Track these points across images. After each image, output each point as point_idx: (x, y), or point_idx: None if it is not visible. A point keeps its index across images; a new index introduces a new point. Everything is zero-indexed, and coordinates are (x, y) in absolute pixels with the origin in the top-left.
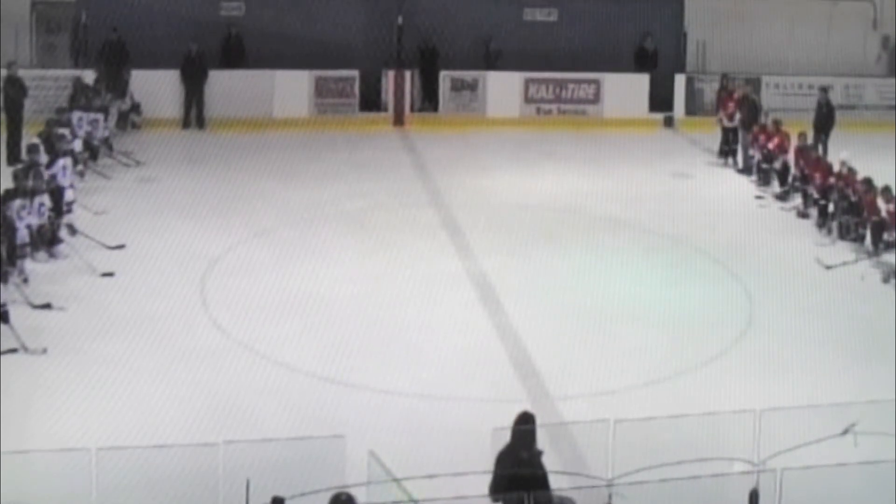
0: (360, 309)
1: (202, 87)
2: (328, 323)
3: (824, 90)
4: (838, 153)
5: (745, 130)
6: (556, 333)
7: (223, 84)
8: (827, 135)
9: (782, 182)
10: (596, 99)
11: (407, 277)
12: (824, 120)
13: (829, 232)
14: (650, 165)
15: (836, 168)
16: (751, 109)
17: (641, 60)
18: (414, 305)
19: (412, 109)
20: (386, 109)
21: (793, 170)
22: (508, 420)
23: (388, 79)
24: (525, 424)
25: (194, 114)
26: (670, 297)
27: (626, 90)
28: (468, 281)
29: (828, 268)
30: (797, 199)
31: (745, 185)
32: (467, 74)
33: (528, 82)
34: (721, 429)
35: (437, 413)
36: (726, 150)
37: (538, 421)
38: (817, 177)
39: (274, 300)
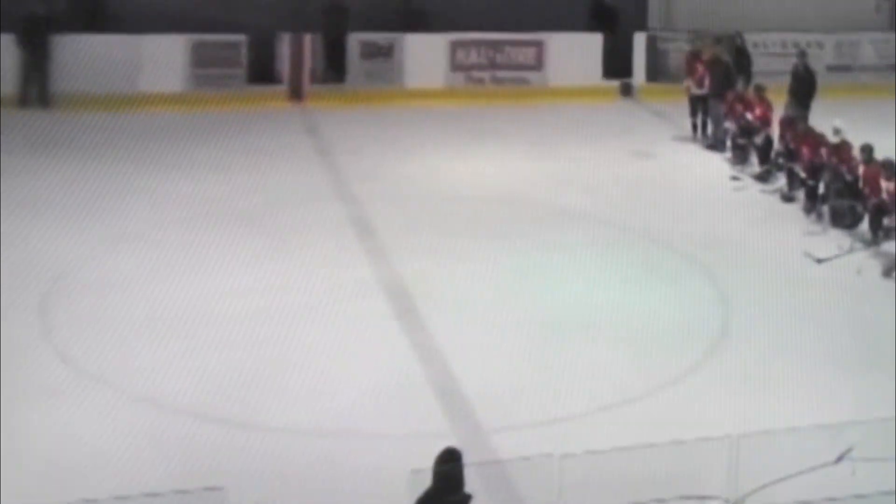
0: (251, 329)
1: (46, 57)
2: (211, 348)
3: (802, 54)
4: (829, 125)
5: (716, 99)
6: (491, 352)
7: (75, 52)
8: (807, 106)
9: (763, 160)
10: (538, 64)
11: (309, 289)
12: (803, 89)
13: (820, 218)
14: (605, 144)
15: (829, 141)
16: (724, 74)
17: (597, 17)
18: (317, 323)
19: (314, 81)
20: (281, 81)
21: (776, 144)
22: (430, 458)
23: (284, 44)
24: (450, 463)
25: (36, 90)
26: (631, 302)
27: (576, 53)
28: (383, 291)
29: (818, 261)
30: (781, 180)
31: (718, 165)
32: (381, 37)
33: (455, 46)
34: (692, 459)
35: (343, 454)
36: (696, 124)
37: (467, 458)
38: (805, 152)
39: (141, 322)
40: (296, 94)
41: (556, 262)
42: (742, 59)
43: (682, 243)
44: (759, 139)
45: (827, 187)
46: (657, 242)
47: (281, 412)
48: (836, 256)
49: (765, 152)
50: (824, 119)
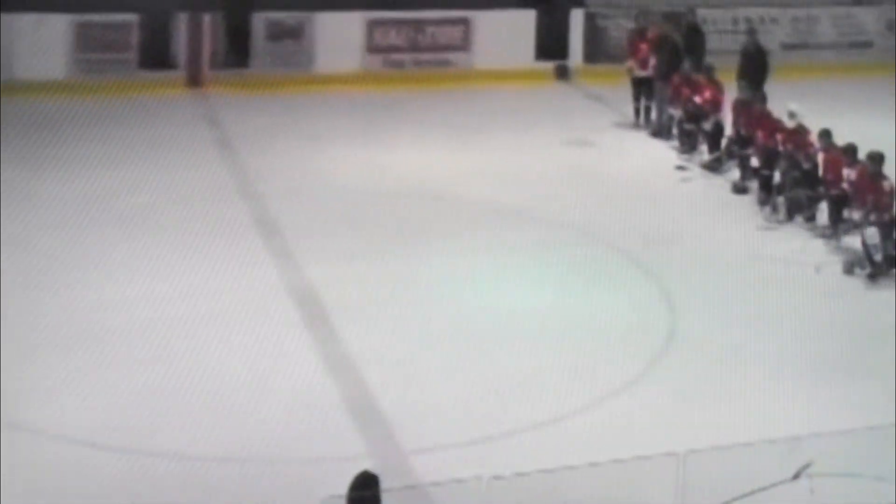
0: (144, 344)
1: None
2: (98, 366)
3: (751, 31)
4: (784, 108)
5: (662, 82)
6: (411, 364)
7: None
8: (759, 88)
9: (712, 147)
10: (465, 45)
11: (209, 297)
12: (753, 70)
13: (775, 210)
14: (539, 132)
15: (784, 126)
16: (671, 54)
17: None
18: (219, 335)
19: (214, 66)
20: (177, 67)
21: (727, 131)
22: (344, 484)
23: (180, 24)
24: (366, 489)
25: None
26: (568, 307)
27: (506, 32)
28: (291, 298)
29: (773, 259)
30: (732, 170)
31: (664, 153)
32: (289, 17)
33: (371, 25)
34: (635, 479)
35: (248, 480)
36: (639, 109)
37: (384, 483)
38: (759, 138)
39: (15, 338)
40: (194, 80)
41: (484, 264)
42: (695, 38)
43: (623, 241)
44: (708, 125)
45: (783, 176)
46: (596, 240)
47: (179, 434)
48: (793, 253)
49: (715, 139)
50: (779, 102)
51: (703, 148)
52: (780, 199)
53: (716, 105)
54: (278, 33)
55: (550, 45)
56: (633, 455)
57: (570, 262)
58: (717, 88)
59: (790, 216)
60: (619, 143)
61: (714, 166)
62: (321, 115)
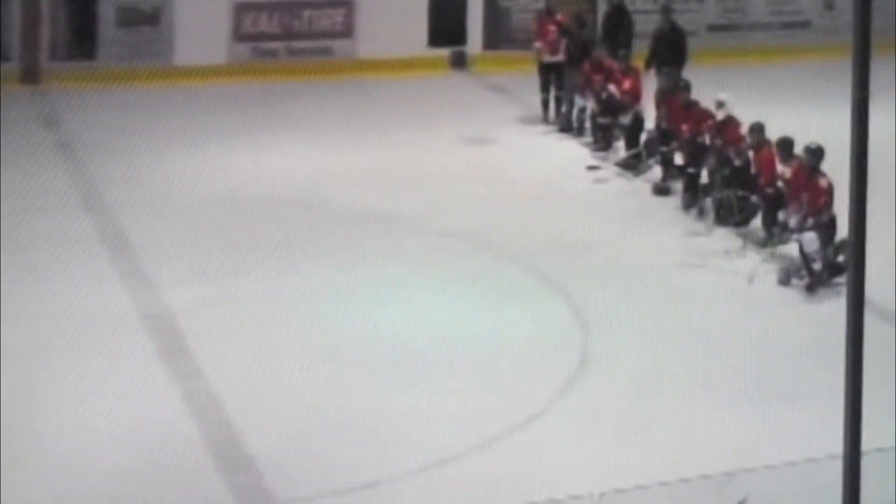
0: None
1: None
2: None
3: (666, 10)
4: (713, 97)
5: (573, 69)
6: (283, 398)
7: None
8: (676, 72)
9: (631, 143)
10: (347, 31)
11: (48, 325)
12: (668, 54)
13: (702, 214)
14: (432, 128)
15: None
16: (581, 38)
17: None
18: (60, 369)
19: (54, 57)
20: (10, 59)
21: (648, 124)
22: None
23: (12, 9)
24: None
25: None
26: (464, 328)
27: (394, 16)
28: (145, 326)
29: (700, 269)
30: (653, 169)
31: (575, 151)
32: (144, 1)
33: (239, 10)
34: None
35: None
36: (547, 100)
37: None
38: (684, 131)
39: None
40: (29, 74)
41: (367, 280)
42: (619, 21)
43: (528, 252)
44: (625, 118)
45: (711, 175)
46: (498, 251)
47: (14, 487)
48: (721, 259)
49: (633, 134)
50: (706, 91)
51: (620, 144)
52: (708, 201)
53: (635, 96)
54: (130, 19)
55: (445, 29)
56: (540, 496)
57: (468, 276)
58: (635, 76)
59: (719, 220)
60: (523, 139)
61: (632, 164)
62: (180, 113)
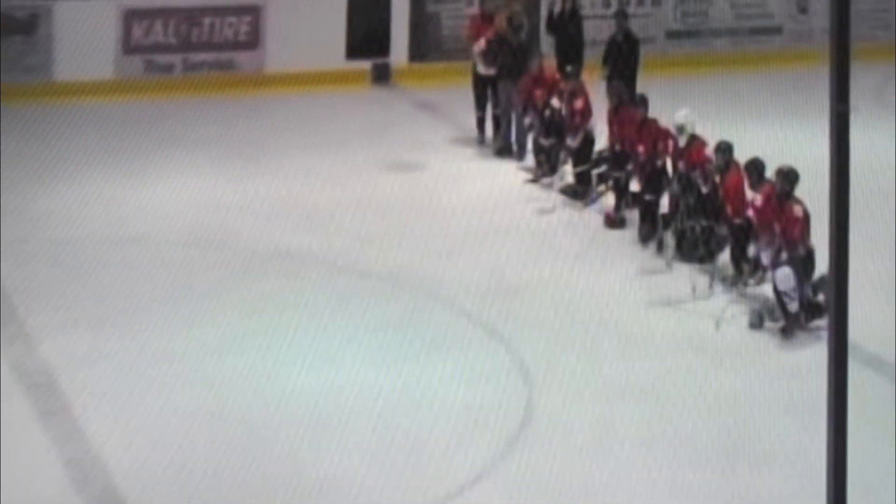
0: None
1: None
2: None
3: (621, 15)
4: (673, 113)
5: (509, 80)
6: (177, 468)
7: None
8: (630, 85)
9: (579, 167)
10: (253, 41)
11: None
12: (622, 65)
13: (661, 248)
14: (350, 152)
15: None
16: (517, 45)
17: None
18: None
19: None
20: None
21: (600, 145)
22: None
23: None
24: None
25: None
26: (386, 384)
27: (306, 24)
28: (18, 386)
29: (659, 312)
30: (606, 196)
31: (514, 177)
32: (17, 6)
33: (128, 17)
34: None
35: None
36: (483, 119)
37: None
38: (641, 153)
39: None
40: None
41: (274, 329)
42: (568, 26)
43: (461, 294)
44: (573, 139)
45: (672, 203)
46: (425, 293)
47: None
48: (686, 301)
49: (582, 157)
50: (664, 105)
51: (568, 169)
52: (669, 234)
53: (584, 113)
54: (2, 29)
55: (366, 38)
56: None
57: (390, 323)
58: (583, 91)
59: (681, 255)
60: (455, 164)
61: (581, 192)
62: (58, 136)
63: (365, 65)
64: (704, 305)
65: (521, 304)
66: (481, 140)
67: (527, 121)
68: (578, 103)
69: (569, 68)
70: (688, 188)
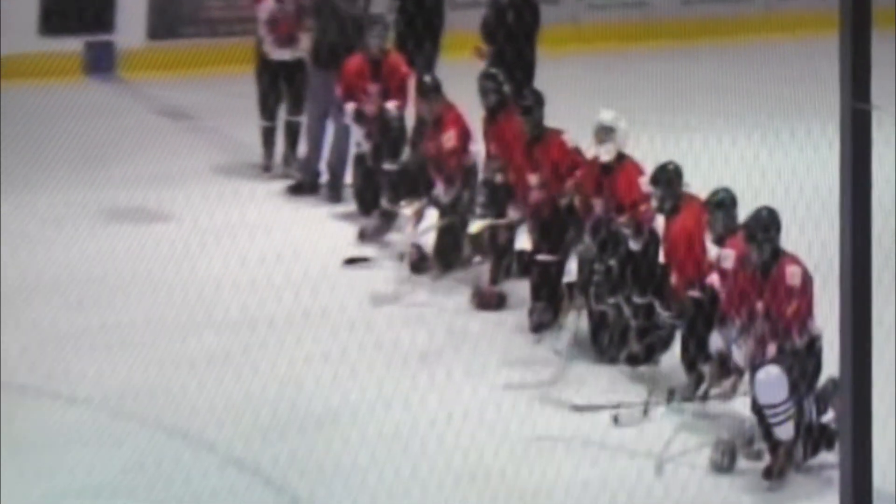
0: None
1: None
2: None
3: None
4: (594, 120)
5: (324, 74)
6: None
7: None
8: (522, 75)
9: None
10: None
11: None
12: (509, 39)
13: (563, 343)
14: (43, 189)
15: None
16: (348, 16)
17: None
18: None
19: None
20: None
21: (482, 173)
22: None
23: None
24: None
25: None
26: None
27: None
28: None
29: (565, 445)
30: (477, 262)
31: (321, 232)
32: None
33: None
34: None
35: None
36: (273, 129)
37: None
38: (533, 187)
39: None
40: None
41: None
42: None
43: (226, 428)
44: (447, 192)
45: (585, 270)
46: (164, 427)
47: None
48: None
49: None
50: (571, 108)
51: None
52: (579, 317)
53: (461, 153)
54: None
55: (74, 6)
56: None
57: (117, 476)
58: (454, 116)
59: (599, 352)
60: (225, 211)
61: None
62: None
63: (74, 44)
64: (637, 436)
65: (318, 441)
66: (268, 167)
67: (355, 140)
68: (448, 139)
69: (427, 79)
70: (610, 243)
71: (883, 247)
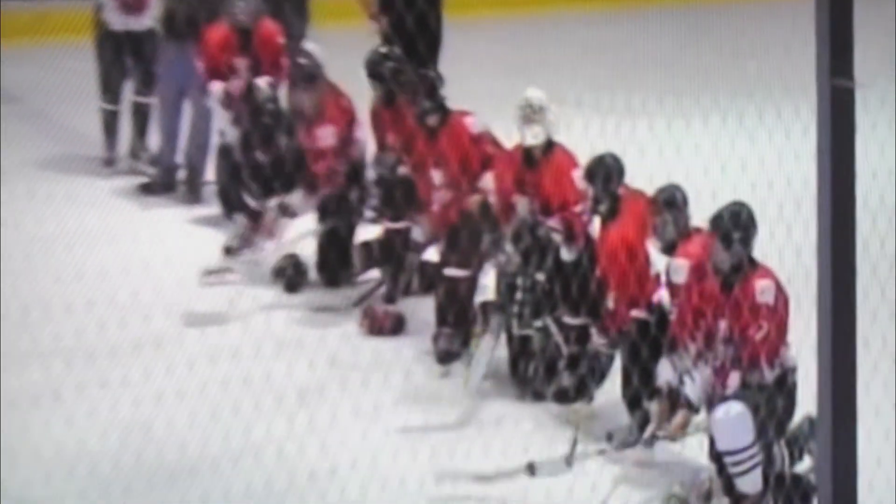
0: None
1: None
2: None
3: None
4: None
5: (180, 42)
6: None
7: None
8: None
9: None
10: None
11: None
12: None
13: (477, 374)
14: None
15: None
16: None
17: None
18: None
19: None
20: None
21: (372, 171)
22: None
23: None
24: None
25: None
26: None
27: None
28: None
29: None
30: (365, 279)
31: (183, 236)
32: None
33: None
34: None
35: None
36: (115, 115)
37: None
38: (438, 185)
39: None
40: None
41: None
42: None
43: (53, 490)
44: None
45: (504, 285)
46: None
47: None
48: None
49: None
50: (483, 86)
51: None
52: (496, 344)
53: (351, 142)
54: None
55: None
56: None
57: None
58: (337, 99)
59: (520, 387)
60: (58, 215)
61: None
62: None
63: None
64: (567, 493)
65: (177, 501)
66: (111, 160)
67: (218, 128)
68: (325, 136)
69: (304, 61)
70: (535, 252)
71: (871, 254)
